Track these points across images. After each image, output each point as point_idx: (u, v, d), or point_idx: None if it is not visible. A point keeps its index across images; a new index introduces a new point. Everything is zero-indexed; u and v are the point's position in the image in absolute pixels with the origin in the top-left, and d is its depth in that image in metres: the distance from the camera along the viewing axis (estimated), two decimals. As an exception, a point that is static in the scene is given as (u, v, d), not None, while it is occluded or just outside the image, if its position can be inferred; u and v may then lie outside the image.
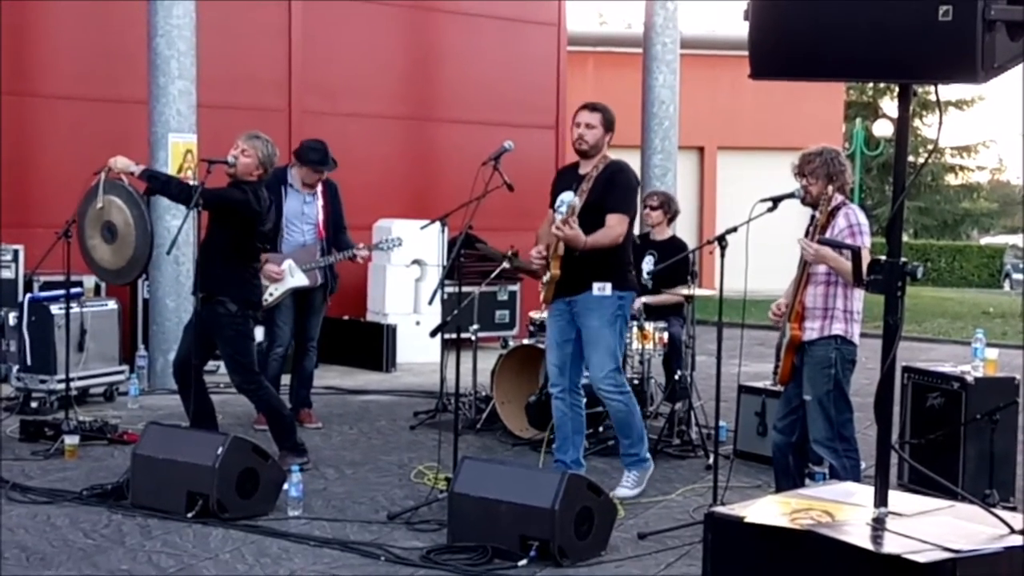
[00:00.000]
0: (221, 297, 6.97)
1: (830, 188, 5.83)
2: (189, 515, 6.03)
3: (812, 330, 5.88)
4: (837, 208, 5.86)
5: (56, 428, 7.68)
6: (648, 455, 6.94)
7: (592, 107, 6.81)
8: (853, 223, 5.80)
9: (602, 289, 6.63)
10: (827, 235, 5.79)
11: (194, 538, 5.80)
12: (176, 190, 7.08)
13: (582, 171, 6.77)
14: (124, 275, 7.52)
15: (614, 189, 6.66)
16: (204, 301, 6.94)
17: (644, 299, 8.27)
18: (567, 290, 6.67)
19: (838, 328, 5.85)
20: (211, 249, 7.06)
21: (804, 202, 5.96)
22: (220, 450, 6.09)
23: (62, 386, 8.30)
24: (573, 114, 6.83)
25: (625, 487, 6.79)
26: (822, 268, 5.86)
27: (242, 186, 6.99)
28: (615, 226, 6.61)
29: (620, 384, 6.76)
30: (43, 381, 8.79)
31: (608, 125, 6.74)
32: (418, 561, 5.48)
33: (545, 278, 6.75)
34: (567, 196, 6.71)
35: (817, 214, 5.86)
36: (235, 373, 7.13)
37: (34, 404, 8.72)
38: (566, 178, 6.89)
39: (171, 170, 10.24)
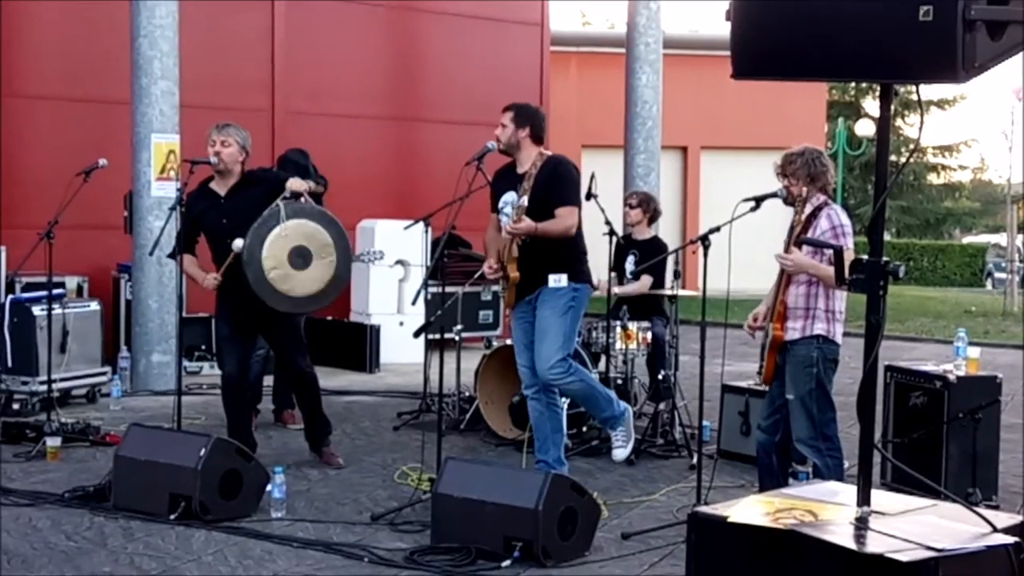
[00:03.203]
0: None
1: (806, 188, 5.85)
2: (172, 517, 6.00)
3: (794, 330, 5.89)
4: (819, 208, 5.87)
5: (38, 430, 7.65)
6: (622, 406, 6.88)
7: (506, 107, 6.81)
8: (836, 224, 5.82)
9: (558, 280, 6.61)
10: (809, 235, 5.80)
11: (176, 540, 5.77)
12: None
13: (520, 170, 6.75)
14: (321, 299, 7.12)
15: (558, 183, 6.63)
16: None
17: (617, 289, 8.29)
18: (527, 289, 6.66)
19: (820, 328, 5.87)
20: None
21: (786, 202, 5.97)
22: (203, 452, 6.07)
23: (44, 388, 8.27)
24: None
25: (619, 447, 6.78)
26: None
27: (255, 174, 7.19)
28: (566, 217, 6.60)
29: (567, 369, 6.61)
30: (24, 383, 8.76)
31: (520, 121, 6.72)
32: (401, 562, 5.47)
33: (503, 288, 6.76)
34: (510, 197, 6.71)
35: (801, 215, 5.87)
36: (303, 356, 7.34)
37: (15, 406, 8.70)
38: (505, 179, 6.85)
39: (154, 171, 10.23)
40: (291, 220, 6.85)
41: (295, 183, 6.90)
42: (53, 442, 7.42)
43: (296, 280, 6.92)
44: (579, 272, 6.72)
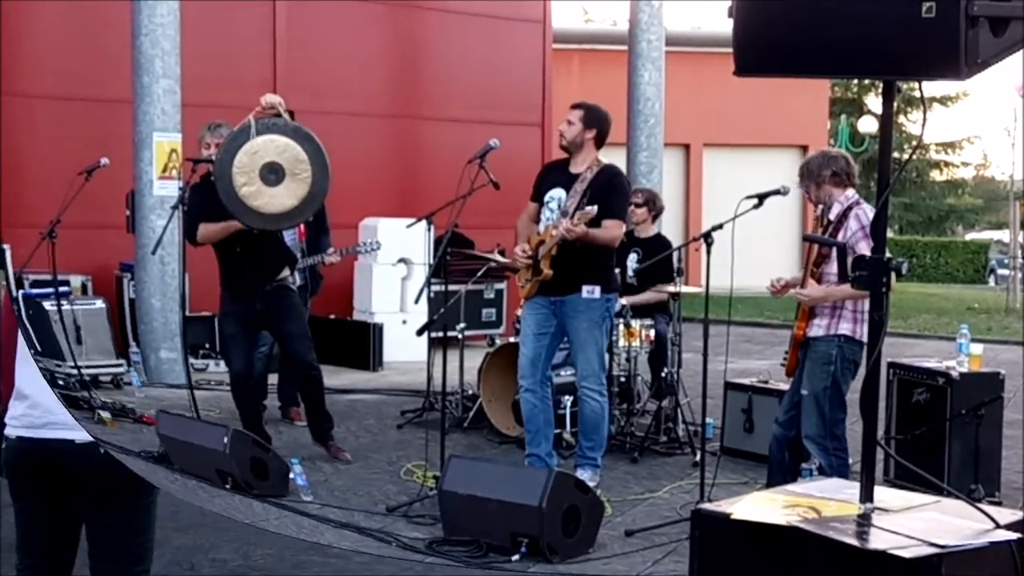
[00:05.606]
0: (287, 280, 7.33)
1: (847, 188, 5.82)
2: (227, 487, 6.25)
3: (819, 327, 5.87)
4: (849, 208, 5.84)
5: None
6: (601, 463, 6.91)
7: (576, 105, 6.82)
8: (865, 225, 5.74)
9: (591, 292, 6.65)
10: (839, 237, 5.76)
11: (241, 504, 5.99)
12: None
13: (573, 170, 6.76)
14: (295, 215, 7.08)
15: (612, 195, 6.66)
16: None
17: (626, 300, 8.24)
18: (554, 290, 6.67)
19: (845, 327, 5.84)
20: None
21: (814, 202, 5.98)
22: (226, 439, 6.28)
23: (74, 371, 8.33)
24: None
25: (583, 475, 6.78)
26: (833, 267, 5.84)
27: None
28: (613, 228, 6.63)
29: (603, 386, 6.80)
30: (58, 365, 8.82)
31: (589, 122, 6.72)
32: (424, 549, 5.58)
33: (525, 278, 6.75)
34: (558, 193, 6.71)
35: (831, 216, 5.85)
36: (310, 349, 7.34)
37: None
38: (555, 175, 6.86)
39: (155, 171, 10.24)
40: (262, 136, 6.77)
41: (269, 96, 6.86)
42: (105, 415, 7.53)
43: (268, 196, 6.84)
44: (611, 282, 6.81)
